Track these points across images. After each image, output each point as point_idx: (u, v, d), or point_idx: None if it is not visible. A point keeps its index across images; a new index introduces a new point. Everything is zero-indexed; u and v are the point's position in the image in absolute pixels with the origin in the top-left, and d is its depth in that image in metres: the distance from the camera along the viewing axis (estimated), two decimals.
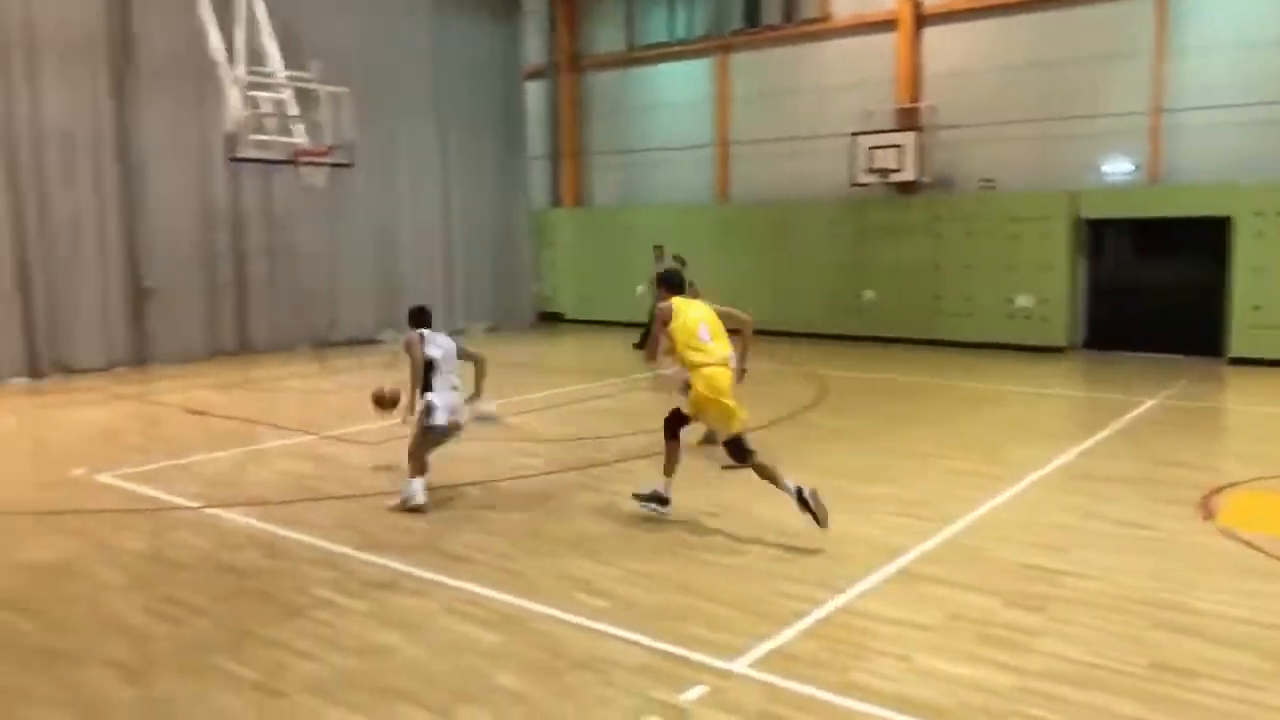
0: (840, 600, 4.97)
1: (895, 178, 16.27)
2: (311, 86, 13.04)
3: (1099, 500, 6.84)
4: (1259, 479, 7.39)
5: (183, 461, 8.17)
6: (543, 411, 10.54)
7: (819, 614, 4.78)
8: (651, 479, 7.03)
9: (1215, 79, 13.99)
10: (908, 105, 16.50)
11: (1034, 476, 7.49)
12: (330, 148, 12.69)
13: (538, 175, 21.28)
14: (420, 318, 6.91)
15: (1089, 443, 8.70)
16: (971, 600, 4.95)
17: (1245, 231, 13.54)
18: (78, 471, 7.79)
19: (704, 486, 7.26)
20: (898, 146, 16.14)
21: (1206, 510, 6.53)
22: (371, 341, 16.77)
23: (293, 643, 4.46)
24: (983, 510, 6.60)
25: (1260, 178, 13.54)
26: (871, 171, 16.37)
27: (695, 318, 6.28)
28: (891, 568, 5.46)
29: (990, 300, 15.65)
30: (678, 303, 6.39)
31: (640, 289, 19.55)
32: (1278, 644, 4.39)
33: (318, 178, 13.24)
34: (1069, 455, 8.20)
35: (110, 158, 13.70)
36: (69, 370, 13.35)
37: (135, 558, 5.72)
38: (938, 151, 16.34)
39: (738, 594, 5.05)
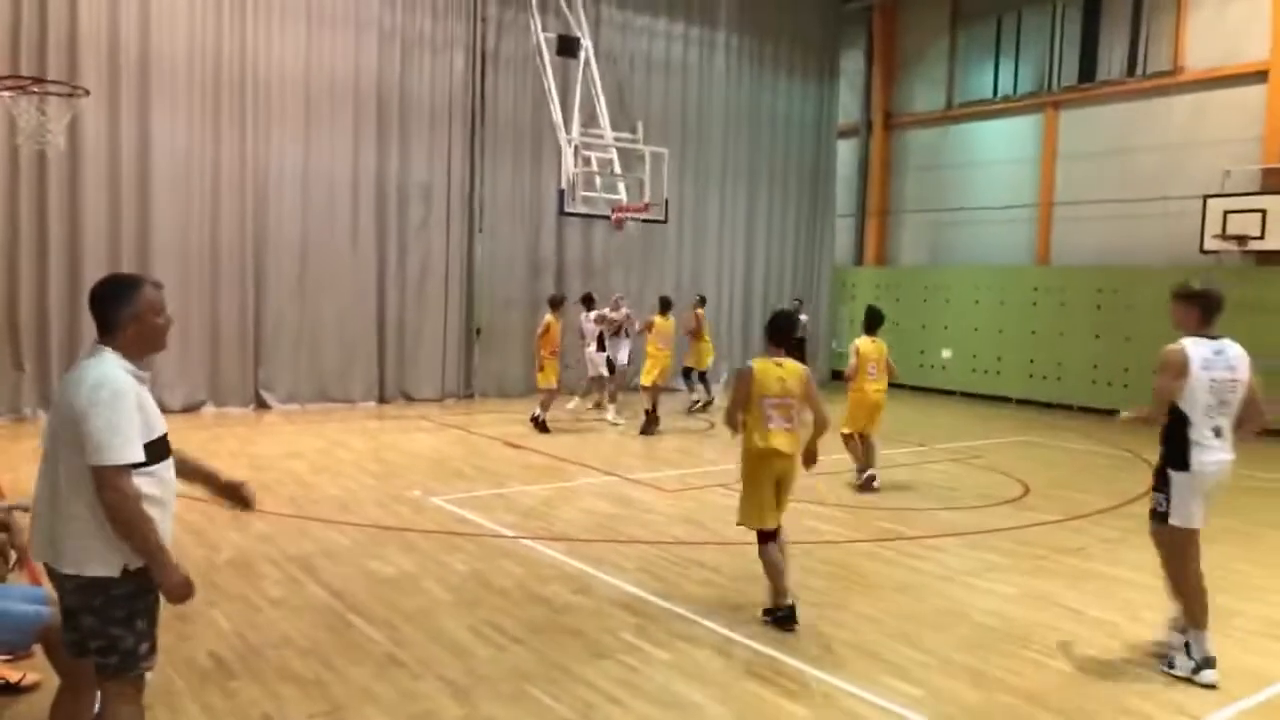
0: None
1: (1254, 245, 14.40)
2: (636, 147, 13.83)
3: None
4: None
5: (501, 491, 8.79)
6: (838, 475, 10.25)
7: None
8: (962, 560, 6.61)
9: None
10: (1275, 165, 14.60)
11: None
12: (647, 204, 13.34)
13: (843, 233, 21.13)
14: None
15: None
16: None
17: None
18: (414, 493, 8.61)
19: (1018, 575, 6.68)
20: (1261, 211, 14.29)
21: None
22: (670, 389, 17.26)
23: (601, 684, 4.57)
24: None
25: None
26: (1225, 238, 14.61)
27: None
28: (1260, 698, 4.69)
29: None
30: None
31: (947, 354, 18.76)
32: None
33: (634, 232, 13.97)
34: None
35: (459, 210, 15.31)
36: (409, 398, 14.93)
37: (462, 579, 6.17)
38: None
39: (1071, 703, 4.54)
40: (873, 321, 9.50)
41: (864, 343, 9.40)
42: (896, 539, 7.57)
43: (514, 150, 15.77)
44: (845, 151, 21.03)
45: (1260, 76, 14.92)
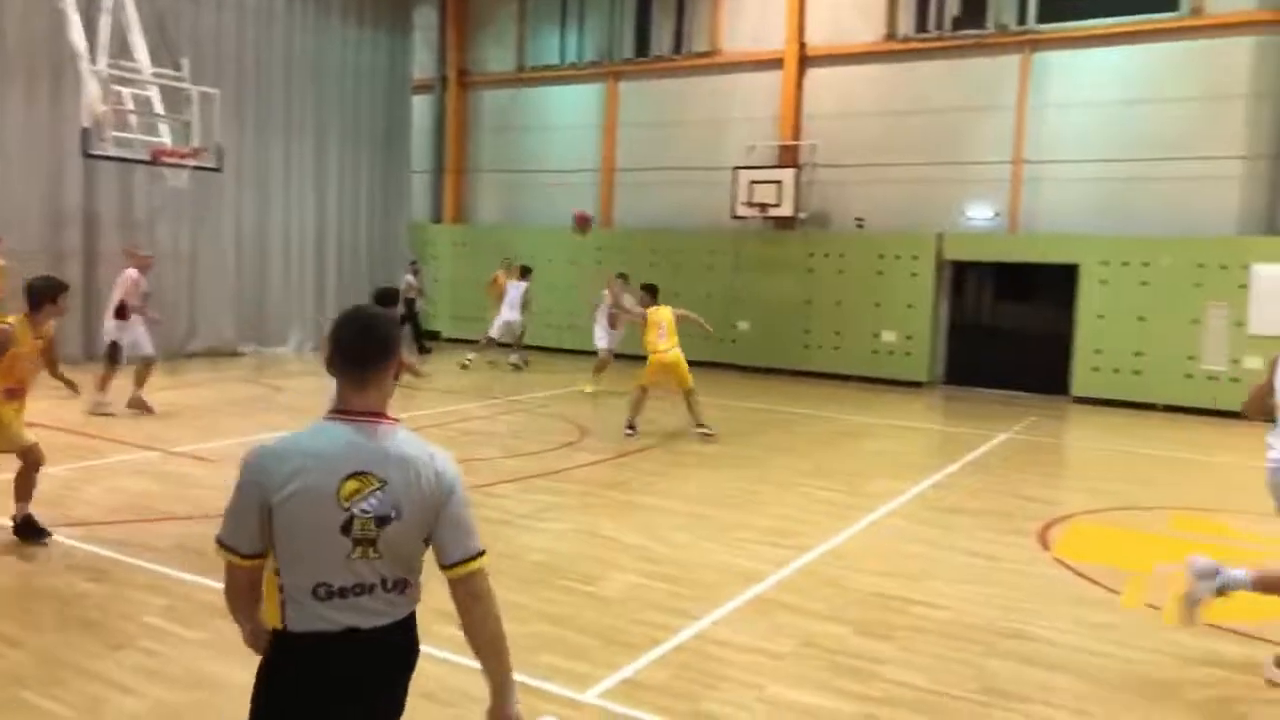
0: (696, 628, 4.98)
1: (773, 213, 16.69)
2: (180, 85, 12.48)
3: (950, 531, 7.12)
4: (1092, 511, 7.84)
5: (3, 476, 7.57)
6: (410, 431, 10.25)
7: (674, 642, 4.77)
8: (520, 503, 6.96)
9: (1069, 135, 14.95)
10: (789, 143, 16.99)
11: (891, 506, 7.74)
12: (196, 149, 12.14)
13: (419, 190, 20.95)
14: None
15: (943, 474, 9.07)
16: (824, 629, 5.03)
17: (1090, 279, 14.46)
18: None
19: (568, 512, 7.19)
20: (777, 182, 16.58)
21: (1044, 541, 6.88)
22: (233, 354, 16.09)
23: (114, 675, 4.16)
24: (841, 539, 6.76)
25: (1105, 230, 14.50)
26: (751, 205, 16.75)
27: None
28: (749, 595, 5.52)
29: (858, 335, 16.19)
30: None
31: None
32: (1101, 668, 4.62)
33: (180, 180, 12.64)
34: (924, 486, 8.52)
35: None
36: None
37: None
38: (815, 189, 16.87)
39: (596, 622, 4.99)
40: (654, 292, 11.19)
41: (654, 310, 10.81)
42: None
43: (27, 79, 13.45)
44: (421, 107, 20.80)
45: (778, 64, 17.21)
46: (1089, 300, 14.47)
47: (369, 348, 2.28)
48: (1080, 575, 6.09)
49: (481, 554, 2.29)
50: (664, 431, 10.73)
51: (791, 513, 7.47)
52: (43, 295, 6.11)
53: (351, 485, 2.16)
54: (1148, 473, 9.77)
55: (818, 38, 16.96)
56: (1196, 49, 14.18)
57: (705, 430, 10.37)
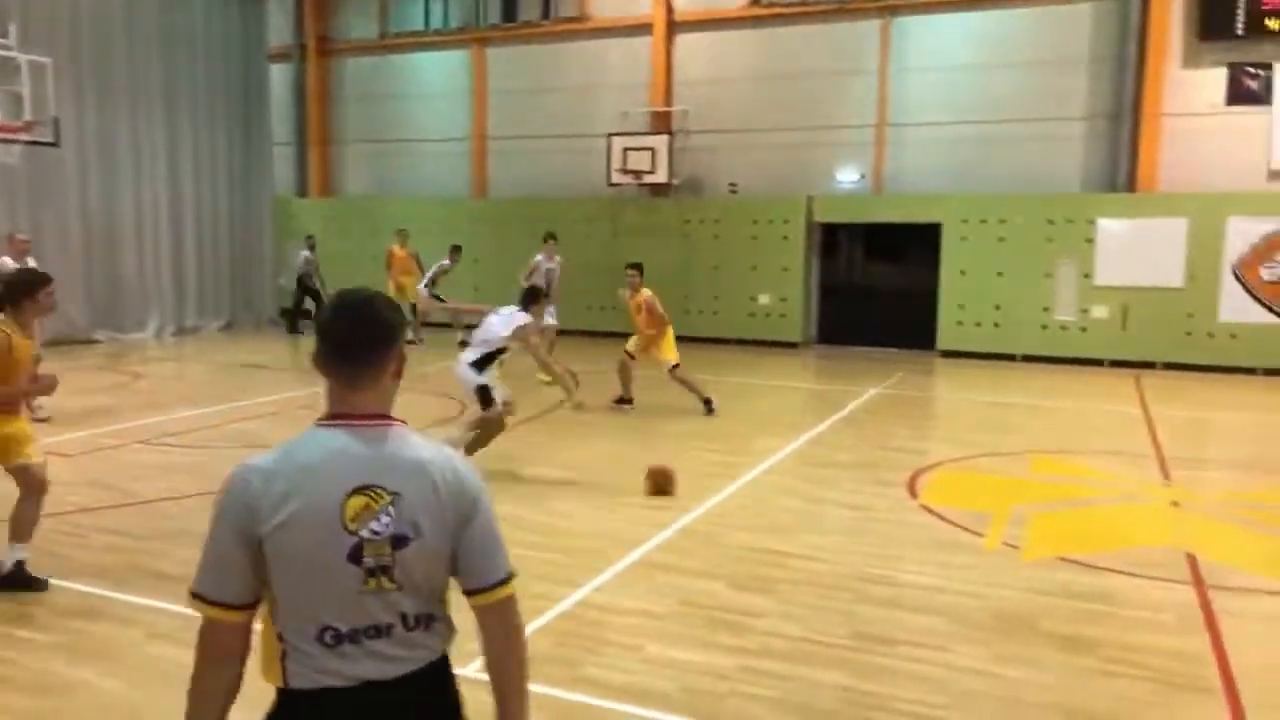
0: (578, 595, 5.01)
1: (648, 179, 16.73)
2: (7, 54, 11.59)
3: (823, 484, 7.36)
4: (956, 459, 8.24)
5: None
6: (275, 416, 9.93)
7: (556, 610, 4.79)
8: None
9: (928, 99, 15.47)
10: (661, 109, 17.02)
11: (769, 464, 7.94)
12: (28, 123, 11.32)
13: (282, 163, 20.09)
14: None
15: (818, 430, 9.36)
16: (702, 586, 5.14)
17: (952, 237, 15.07)
18: None
19: None
20: (651, 149, 16.60)
21: (912, 490, 7.19)
22: (87, 341, 15.19)
23: None
24: (720, 498, 6.91)
25: (964, 189, 15.12)
26: (626, 172, 16.74)
27: None
28: (631, 558, 5.58)
29: (735, 299, 16.47)
30: None
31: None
32: (963, 607, 4.88)
33: (11, 155, 11.78)
34: (800, 443, 8.77)
35: None
36: None
37: None
38: (688, 155, 16.97)
39: None
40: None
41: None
42: None
43: None
44: (280, 76, 19.90)
45: (647, 29, 17.16)
46: (951, 257, 15.09)
47: (365, 338, 1.87)
48: (945, 520, 6.40)
49: (513, 576, 1.96)
50: (547, 402, 10.69)
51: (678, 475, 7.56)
52: (19, 291, 5.14)
53: (357, 502, 1.79)
54: (1007, 420, 10.31)
55: (685, 2, 16.98)
56: (1042, 14, 14.86)
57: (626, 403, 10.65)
